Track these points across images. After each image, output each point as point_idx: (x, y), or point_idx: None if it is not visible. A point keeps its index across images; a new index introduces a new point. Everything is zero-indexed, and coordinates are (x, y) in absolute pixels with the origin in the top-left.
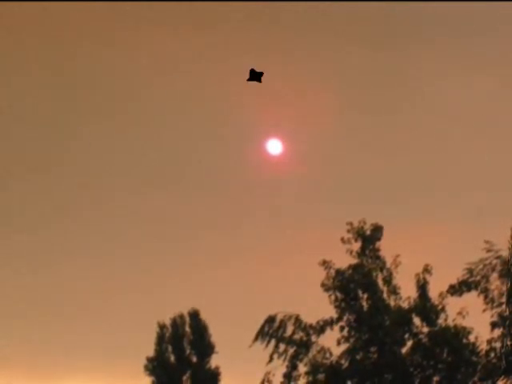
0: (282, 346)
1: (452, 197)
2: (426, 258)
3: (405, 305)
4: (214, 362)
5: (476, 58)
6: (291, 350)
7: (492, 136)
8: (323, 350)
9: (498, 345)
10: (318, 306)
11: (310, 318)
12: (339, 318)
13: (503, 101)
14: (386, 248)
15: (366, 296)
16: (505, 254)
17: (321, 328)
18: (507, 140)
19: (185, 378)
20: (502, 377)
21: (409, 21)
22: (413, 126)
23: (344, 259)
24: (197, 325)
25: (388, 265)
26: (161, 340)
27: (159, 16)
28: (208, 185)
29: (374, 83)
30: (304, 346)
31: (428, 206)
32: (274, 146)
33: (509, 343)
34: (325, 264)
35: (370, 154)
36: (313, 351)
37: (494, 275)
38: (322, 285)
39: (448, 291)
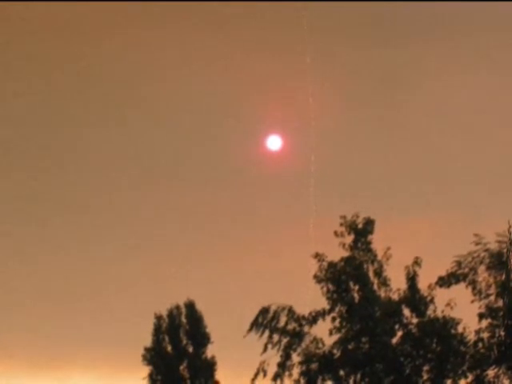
0: (275, 337)
1: (442, 191)
2: (415, 250)
3: (395, 296)
4: (210, 351)
5: (477, 56)
6: (285, 341)
7: (484, 132)
8: (316, 340)
9: (485, 335)
10: (311, 298)
11: (303, 309)
12: (331, 309)
13: (498, 99)
14: (378, 241)
15: (357, 288)
16: (493, 246)
17: (313, 319)
18: (499, 136)
19: (182, 367)
20: (493, 366)
21: (410, 18)
22: (407, 122)
23: (337, 252)
24: (193, 315)
25: (379, 257)
26: (158, 331)
27: (163, 15)
28: (207, 179)
29: (373, 80)
30: (297, 336)
31: (419, 201)
32: (274, 142)
33: (502, 334)
34: (317, 256)
35: (367, 150)
36: (306, 341)
37: (482, 267)
38: (315, 277)
39: (437, 283)
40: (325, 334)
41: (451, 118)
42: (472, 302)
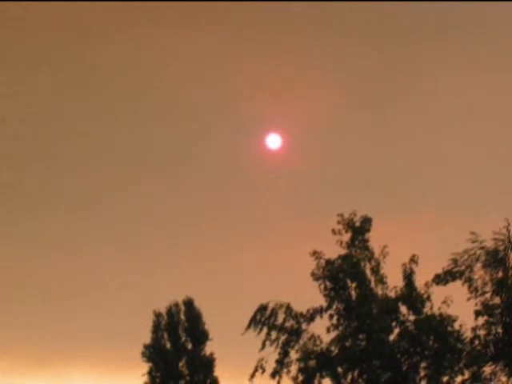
0: (273, 334)
1: (439, 190)
2: (412, 248)
3: (392, 294)
4: (209, 348)
5: (474, 56)
6: (283, 338)
7: (480, 130)
8: (313, 338)
9: (482, 332)
10: (308, 295)
11: (301, 306)
12: (329, 307)
13: (496, 99)
14: (375, 239)
15: (354, 285)
16: (489, 244)
17: (311, 316)
18: (497, 135)
19: (181, 364)
20: (490, 363)
21: (408, 19)
22: (405, 121)
23: (334, 250)
24: (191, 313)
25: (376, 255)
26: (157, 328)
27: (163, 15)
28: (207, 177)
29: (371, 80)
30: (295, 333)
31: (415, 199)
32: (274, 141)
33: (499, 331)
34: (315, 254)
35: (365, 149)
36: (303, 338)
37: (478, 265)
38: (312, 274)
39: (433, 280)
40: (322, 331)
41: (449, 116)
42: (468, 299)
